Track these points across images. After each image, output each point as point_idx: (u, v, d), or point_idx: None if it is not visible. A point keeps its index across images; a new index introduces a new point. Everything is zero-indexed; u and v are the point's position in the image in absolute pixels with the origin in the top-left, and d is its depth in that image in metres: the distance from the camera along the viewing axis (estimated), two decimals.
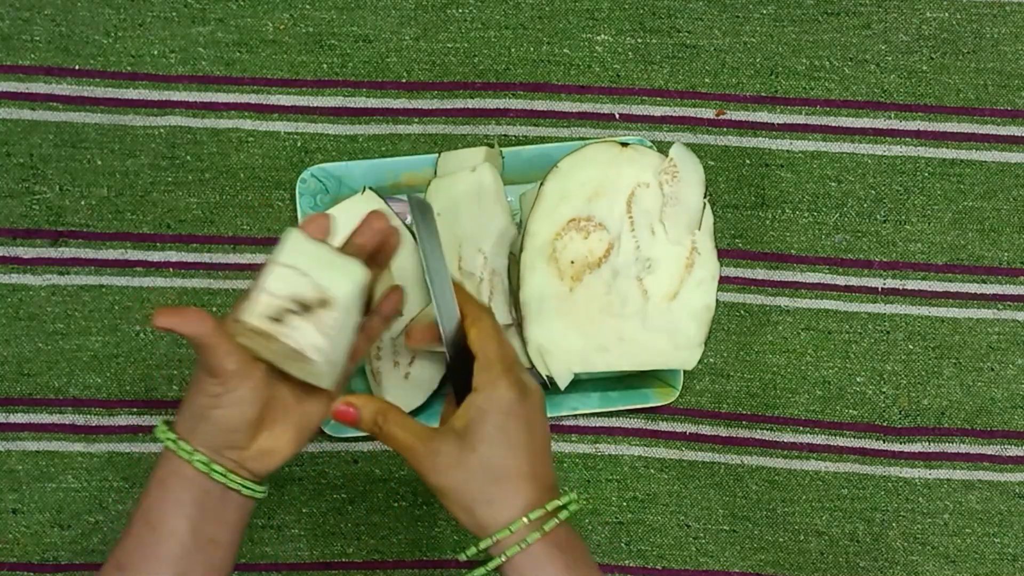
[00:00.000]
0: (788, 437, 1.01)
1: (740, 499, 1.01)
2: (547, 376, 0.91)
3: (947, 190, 1.03)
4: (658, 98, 1.03)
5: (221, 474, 0.73)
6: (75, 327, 1.00)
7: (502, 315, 0.94)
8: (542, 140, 1.02)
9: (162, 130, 1.01)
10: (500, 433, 0.72)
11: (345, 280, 0.72)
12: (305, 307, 0.71)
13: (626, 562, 1.00)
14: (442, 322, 0.78)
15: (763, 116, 1.03)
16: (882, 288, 1.02)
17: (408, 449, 0.74)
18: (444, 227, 0.94)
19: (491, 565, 0.72)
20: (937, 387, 1.02)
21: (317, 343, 0.71)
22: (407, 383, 0.94)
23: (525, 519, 0.71)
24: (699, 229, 0.92)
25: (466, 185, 0.94)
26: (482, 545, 0.72)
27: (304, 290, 0.71)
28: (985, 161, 1.03)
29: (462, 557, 0.74)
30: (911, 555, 1.01)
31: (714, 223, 0.93)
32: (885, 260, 1.02)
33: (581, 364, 0.92)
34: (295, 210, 0.99)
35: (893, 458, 1.01)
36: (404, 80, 1.02)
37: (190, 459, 0.72)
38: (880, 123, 1.03)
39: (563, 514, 0.73)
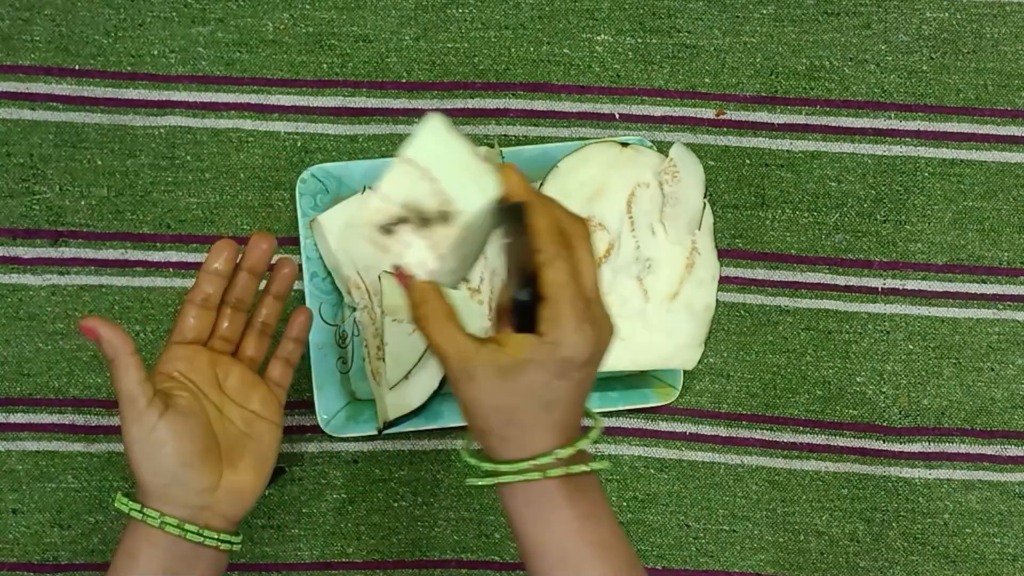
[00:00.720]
0: (788, 437, 1.01)
1: (740, 499, 1.01)
2: None
3: (947, 190, 1.03)
4: (658, 98, 1.03)
5: (196, 532, 0.72)
6: (75, 327, 1.00)
7: None
8: (542, 140, 1.02)
9: (162, 130, 1.01)
10: (546, 389, 0.63)
11: (476, 194, 0.61)
12: (423, 219, 0.61)
13: None
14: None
15: (763, 116, 1.03)
16: (882, 288, 1.02)
17: (457, 350, 0.63)
18: None
19: (505, 472, 0.65)
20: (937, 387, 1.02)
21: (426, 265, 0.62)
22: (407, 383, 0.94)
23: (553, 457, 0.65)
24: (699, 229, 0.92)
25: None
26: (504, 468, 0.66)
27: (425, 197, 0.61)
28: (985, 161, 1.03)
29: (477, 480, 0.67)
30: (911, 555, 1.01)
31: (714, 223, 0.93)
32: (885, 260, 1.02)
33: None
34: (295, 210, 0.99)
35: (893, 458, 1.01)
36: (404, 80, 1.02)
37: (161, 525, 0.71)
38: (880, 123, 1.03)
39: (594, 464, 0.67)
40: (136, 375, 0.70)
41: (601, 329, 0.65)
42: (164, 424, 0.71)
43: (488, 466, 0.66)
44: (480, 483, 0.66)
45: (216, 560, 0.74)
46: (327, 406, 0.96)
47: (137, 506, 0.71)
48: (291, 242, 1.00)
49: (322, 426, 0.95)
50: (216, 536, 0.73)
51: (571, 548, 0.65)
